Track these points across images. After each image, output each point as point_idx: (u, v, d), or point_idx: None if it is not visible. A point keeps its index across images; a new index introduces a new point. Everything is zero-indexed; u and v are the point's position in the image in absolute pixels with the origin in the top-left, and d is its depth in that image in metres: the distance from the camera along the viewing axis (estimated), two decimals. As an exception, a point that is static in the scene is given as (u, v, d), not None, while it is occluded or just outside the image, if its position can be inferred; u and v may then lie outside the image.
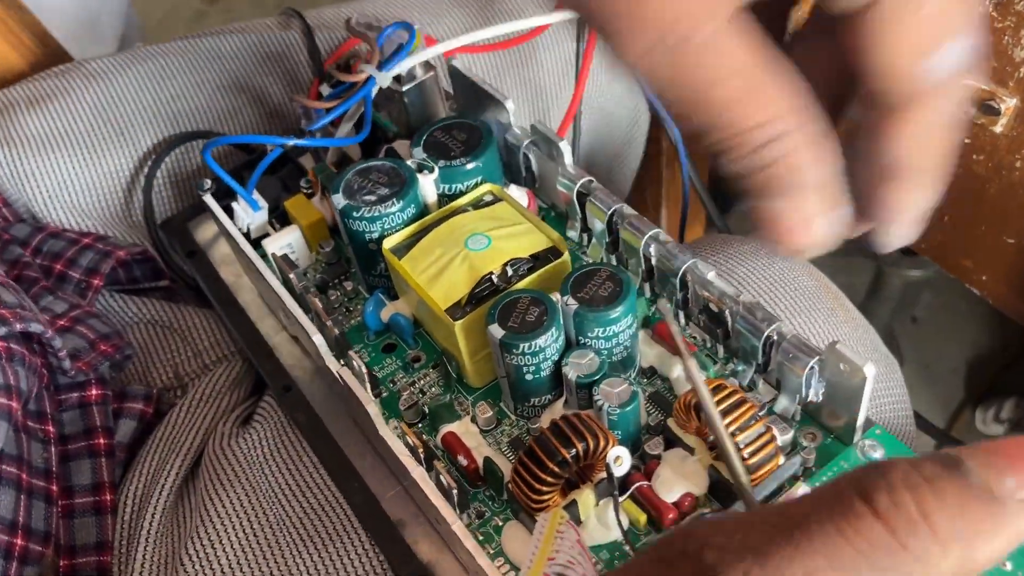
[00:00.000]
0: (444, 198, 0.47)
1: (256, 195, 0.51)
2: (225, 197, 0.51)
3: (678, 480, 0.38)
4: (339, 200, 0.45)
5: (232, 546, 0.43)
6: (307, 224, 0.50)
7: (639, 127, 0.75)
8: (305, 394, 0.47)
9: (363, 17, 0.50)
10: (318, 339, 0.42)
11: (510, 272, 0.42)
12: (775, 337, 0.39)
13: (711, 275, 0.41)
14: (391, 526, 0.42)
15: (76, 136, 0.59)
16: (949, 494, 0.18)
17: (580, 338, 0.41)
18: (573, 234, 0.49)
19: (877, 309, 0.89)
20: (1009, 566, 0.33)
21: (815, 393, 0.39)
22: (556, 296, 0.41)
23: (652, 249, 0.44)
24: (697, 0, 0.23)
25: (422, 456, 0.39)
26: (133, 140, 0.60)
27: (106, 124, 0.60)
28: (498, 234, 0.43)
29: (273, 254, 0.47)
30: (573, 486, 0.39)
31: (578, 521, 0.38)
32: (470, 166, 0.46)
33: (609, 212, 0.45)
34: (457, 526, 0.37)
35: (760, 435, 0.36)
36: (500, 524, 0.40)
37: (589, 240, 0.48)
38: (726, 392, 0.37)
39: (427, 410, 0.44)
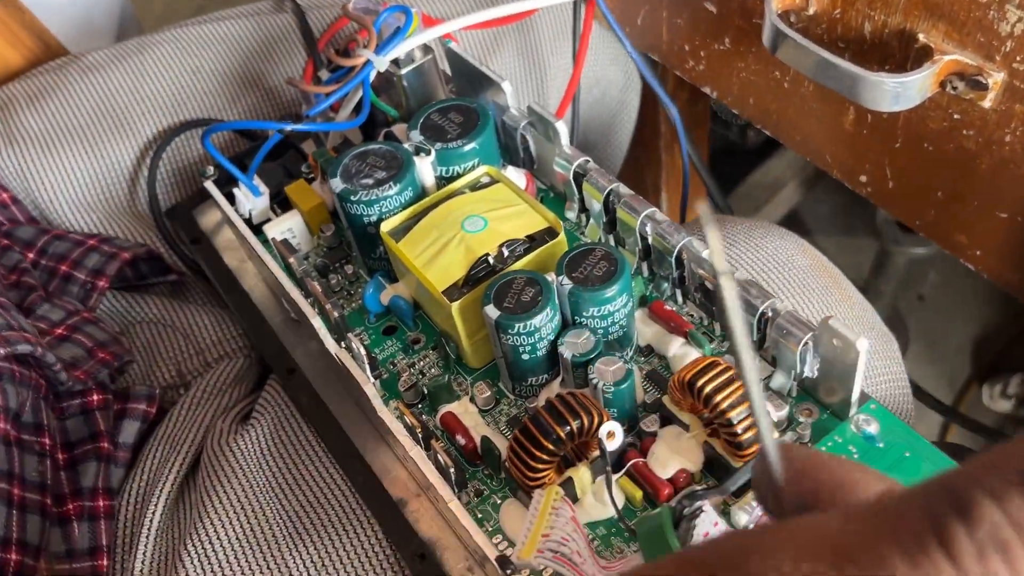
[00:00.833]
0: (441, 180, 0.47)
1: (257, 181, 0.51)
2: (228, 184, 0.52)
3: (673, 457, 0.38)
4: (337, 184, 0.45)
5: (230, 541, 0.44)
6: (308, 209, 0.51)
7: (632, 89, 0.75)
8: (309, 378, 0.48)
9: (360, 0, 0.50)
10: (317, 322, 0.42)
11: (506, 253, 0.43)
12: (769, 313, 0.40)
13: (706, 253, 0.41)
14: (393, 505, 0.43)
15: (77, 130, 0.60)
16: None
17: (576, 318, 0.41)
18: (571, 215, 0.49)
19: (882, 288, 0.89)
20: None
21: (810, 369, 0.39)
22: (551, 276, 0.41)
23: (648, 228, 0.44)
24: None
25: (420, 436, 0.39)
26: (134, 131, 0.60)
27: (106, 116, 0.60)
28: (494, 216, 0.44)
29: (273, 239, 0.48)
30: (569, 464, 0.39)
31: (575, 499, 0.39)
32: (467, 148, 0.47)
33: (605, 192, 0.45)
34: (454, 504, 0.37)
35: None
36: (498, 502, 0.40)
37: (587, 221, 0.48)
38: (720, 368, 0.37)
39: (426, 391, 0.44)
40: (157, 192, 0.59)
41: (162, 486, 0.47)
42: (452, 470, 0.38)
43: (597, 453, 0.38)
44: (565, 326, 0.42)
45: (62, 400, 0.48)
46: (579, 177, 0.47)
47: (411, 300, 0.47)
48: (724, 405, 0.36)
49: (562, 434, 0.37)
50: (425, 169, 0.46)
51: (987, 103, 0.40)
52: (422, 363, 0.46)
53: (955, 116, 0.42)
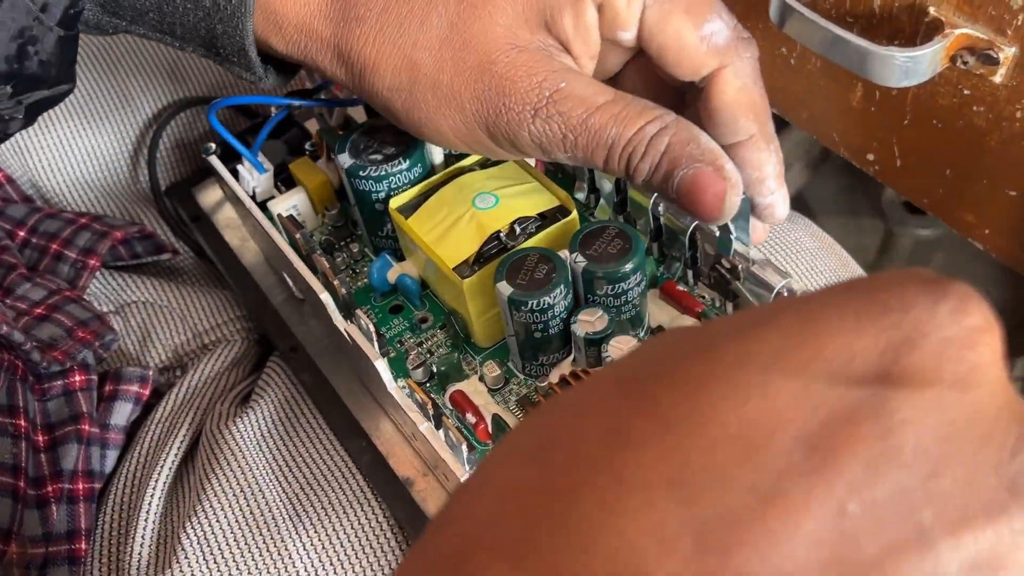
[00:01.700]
0: (451, 157, 0.47)
1: (262, 158, 0.51)
2: (230, 161, 0.51)
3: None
4: (345, 159, 0.45)
5: (229, 523, 0.43)
6: (312, 187, 0.50)
7: None
8: (312, 356, 0.47)
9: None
10: (325, 297, 0.41)
11: (518, 230, 0.42)
12: (785, 293, 0.39)
13: (718, 233, 0.41)
14: (399, 484, 0.42)
15: (75, 103, 0.59)
16: None
17: (589, 296, 0.41)
18: (580, 195, 0.49)
19: (889, 269, 0.89)
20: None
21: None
22: (564, 254, 0.41)
23: (661, 208, 0.43)
24: None
25: (431, 413, 0.39)
26: (134, 106, 0.59)
27: (106, 90, 0.59)
28: (506, 193, 0.43)
29: (279, 215, 0.47)
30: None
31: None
32: (477, 126, 0.46)
33: (617, 172, 0.45)
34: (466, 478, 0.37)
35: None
36: (509, 481, 0.40)
37: (596, 201, 0.48)
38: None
39: (435, 370, 0.43)
40: (157, 171, 0.58)
41: (160, 469, 0.46)
42: (464, 447, 0.38)
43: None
44: (577, 304, 0.41)
45: (44, 381, 0.47)
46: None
47: (419, 279, 0.46)
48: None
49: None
50: (435, 146, 0.46)
51: (998, 78, 0.40)
52: (430, 342, 0.45)
53: (965, 92, 0.42)
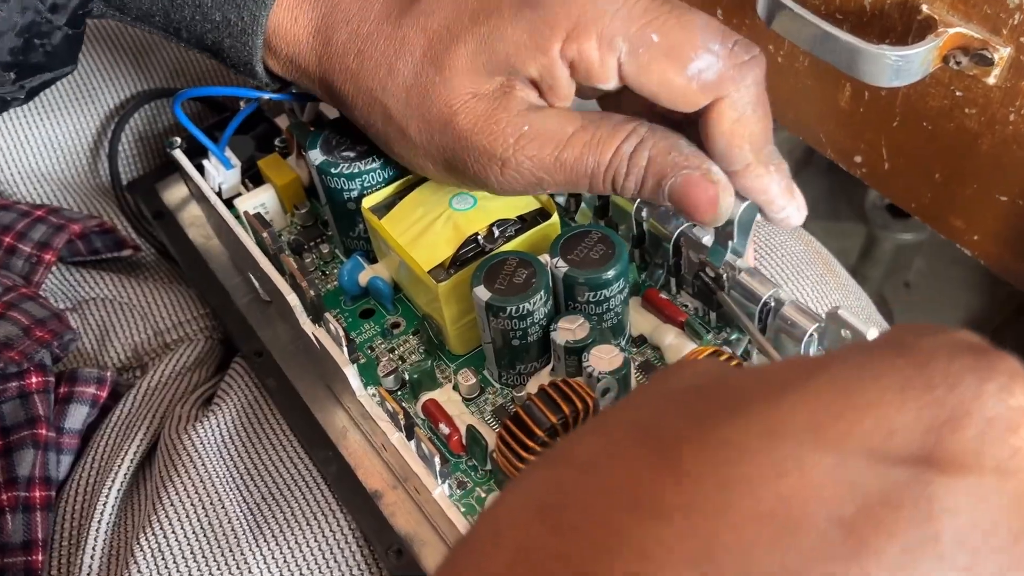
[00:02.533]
0: (427, 157, 0.45)
1: (229, 153, 0.49)
2: (196, 156, 0.49)
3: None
4: (316, 156, 0.43)
5: (186, 534, 0.41)
6: (282, 184, 0.48)
7: None
8: (277, 360, 0.45)
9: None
10: (293, 300, 0.40)
11: (496, 233, 0.41)
12: (772, 304, 0.38)
13: (706, 239, 0.39)
14: (368, 497, 0.40)
15: None
16: None
17: (569, 302, 0.39)
18: (561, 199, 0.47)
19: (869, 274, 0.89)
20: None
21: (812, 362, 0.38)
22: (545, 258, 0.39)
23: (644, 213, 0.42)
24: None
25: (402, 422, 0.37)
26: (94, 98, 0.57)
27: (67, 78, 0.57)
28: (485, 194, 0.41)
29: (246, 212, 0.45)
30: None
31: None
32: (455, 124, 0.44)
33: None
34: (439, 494, 0.35)
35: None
36: (483, 495, 0.38)
37: (577, 206, 0.46)
38: (724, 359, 0.35)
39: (407, 377, 0.42)
40: (118, 165, 0.56)
41: (114, 476, 0.44)
42: (436, 459, 0.36)
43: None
44: (557, 312, 0.40)
45: None
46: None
47: (391, 282, 0.44)
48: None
49: (556, 423, 0.35)
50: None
51: (991, 79, 0.39)
52: (402, 348, 0.43)
53: (957, 93, 0.41)
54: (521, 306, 0.37)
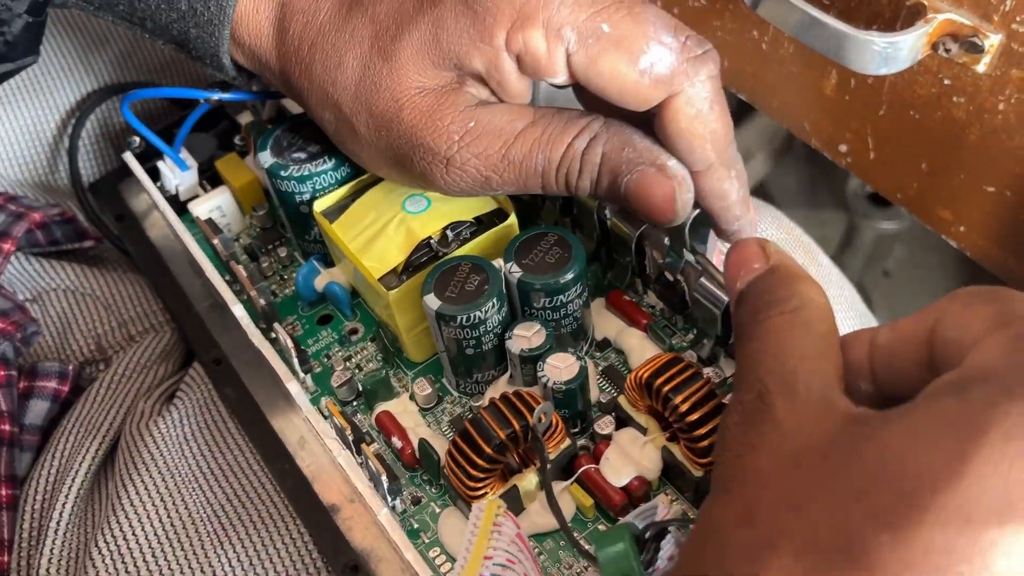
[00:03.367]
0: (383, 156, 0.43)
1: (185, 154, 0.47)
2: (156, 156, 0.47)
3: (628, 463, 0.35)
4: (266, 158, 0.41)
5: (147, 536, 0.40)
6: (239, 186, 0.46)
7: None
8: (236, 368, 0.44)
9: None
10: (239, 311, 0.38)
11: (450, 236, 0.39)
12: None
13: (667, 239, 0.38)
14: (324, 511, 0.39)
15: None
16: None
17: (525, 309, 0.38)
18: (525, 197, 0.45)
19: (849, 262, 0.87)
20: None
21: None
22: (499, 263, 0.37)
23: (608, 211, 0.40)
24: None
25: (350, 439, 0.36)
26: (50, 93, 0.55)
27: (22, 73, 0.55)
28: (439, 195, 0.40)
29: (198, 217, 0.44)
30: (514, 472, 0.35)
31: (521, 508, 0.35)
32: (411, 121, 0.42)
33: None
34: (384, 515, 0.33)
35: (717, 415, 0.33)
36: (437, 511, 0.37)
37: (543, 203, 0.45)
38: (681, 366, 0.34)
39: (362, 387, 0.40)
40: (79, 164, 0.54)
41: (74, 475, 0.43)
42: (384, 477, 0.34)
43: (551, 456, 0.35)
44: (514, 318, 0.38)
45: None
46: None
47: (348, 286, 0.43)
48: (685, 408, 0.33)
49: (505, 438, 0.33)
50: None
51: (981, 67, 0.37)
52: (359, 356, 0.42)
53: (945, 81, 0.39)
54: (473, 314, 0.36)
